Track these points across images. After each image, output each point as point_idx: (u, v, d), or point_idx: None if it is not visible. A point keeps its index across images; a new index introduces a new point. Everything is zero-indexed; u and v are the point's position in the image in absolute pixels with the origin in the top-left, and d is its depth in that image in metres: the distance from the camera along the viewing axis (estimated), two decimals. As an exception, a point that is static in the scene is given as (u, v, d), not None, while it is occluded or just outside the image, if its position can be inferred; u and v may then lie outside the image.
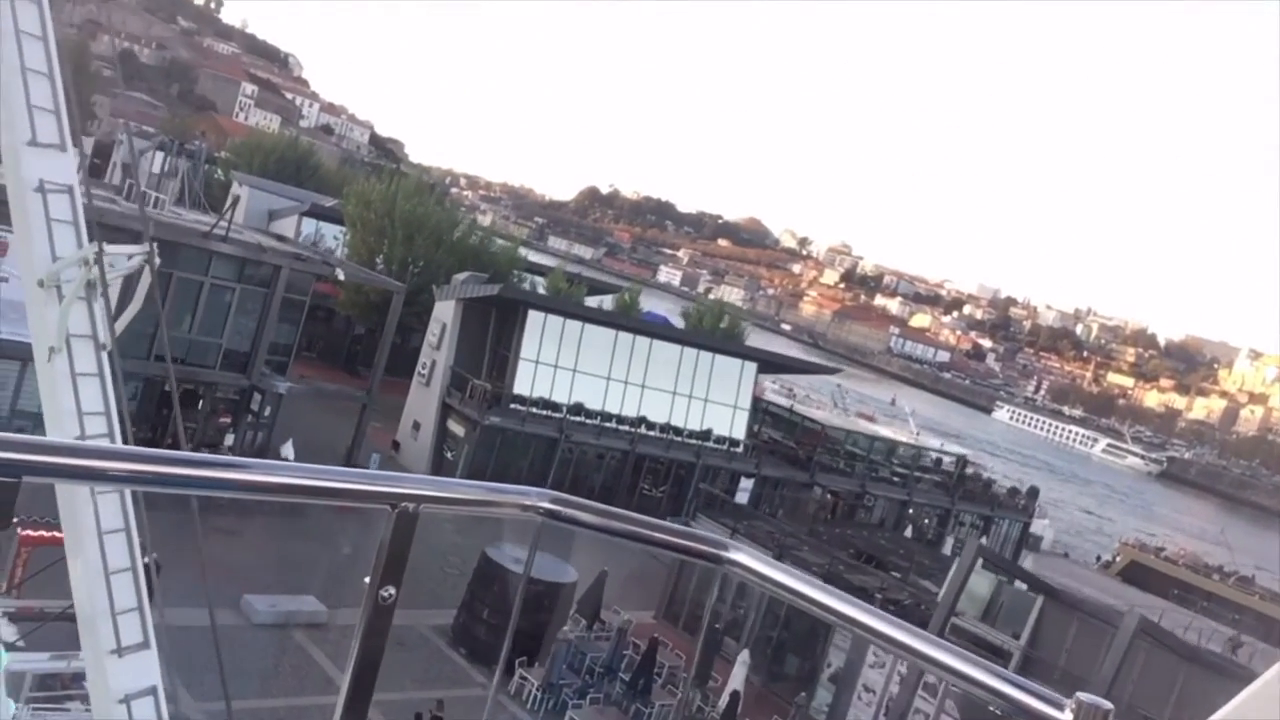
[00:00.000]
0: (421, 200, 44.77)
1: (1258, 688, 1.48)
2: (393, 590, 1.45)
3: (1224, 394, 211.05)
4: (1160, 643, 21.62)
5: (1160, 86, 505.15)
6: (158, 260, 7.22)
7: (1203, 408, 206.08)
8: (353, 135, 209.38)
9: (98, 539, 5.87)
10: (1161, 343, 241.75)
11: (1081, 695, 1.10)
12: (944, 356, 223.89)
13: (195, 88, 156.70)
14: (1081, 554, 67.24)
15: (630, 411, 37.21)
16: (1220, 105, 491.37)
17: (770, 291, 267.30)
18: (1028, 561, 46.50)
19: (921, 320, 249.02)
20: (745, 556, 1.47)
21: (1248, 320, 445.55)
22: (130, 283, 7.48)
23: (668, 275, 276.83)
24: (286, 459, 23.34)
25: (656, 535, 1.55)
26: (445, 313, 36.01)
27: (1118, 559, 61.66)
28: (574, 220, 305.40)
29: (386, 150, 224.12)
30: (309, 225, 50.41)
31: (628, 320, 40.86)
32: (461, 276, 36.90)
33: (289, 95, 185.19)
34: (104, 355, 6.61)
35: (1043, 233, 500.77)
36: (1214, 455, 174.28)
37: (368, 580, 1.46)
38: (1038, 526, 55.17)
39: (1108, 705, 1.09)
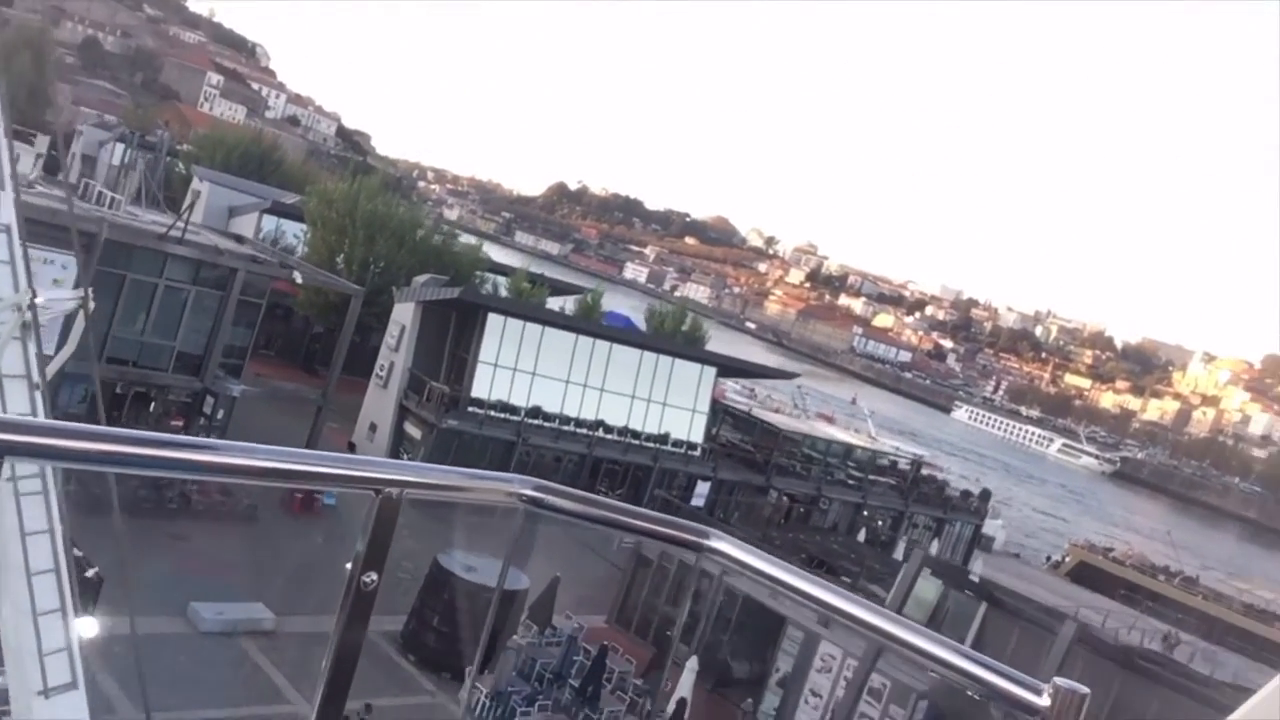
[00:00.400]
0: (384, 200, 44.66)
1: (1262, 697, 1.50)
2: (375, 576, 1.44)
3: (1177, 396, 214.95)
4: (1096, 650, 22.22)
5: (1121, 92, 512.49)
6: (92, 305, 7.35)
7: (1156, 409, 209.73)
8: (319, 127, 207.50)
9: (26, 580, 6.02)
10: (1119, 345, 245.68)
11: (1058, 680, 1.13)
12: (906, 356, 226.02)
13: (160, 77, 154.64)
14: (1033, 554, 68.38)
15: (589, 415, 37.44)
16: (1177, 115, 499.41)
17: (736, 290, 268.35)
18: (978, 562, 47.26)
19: (885, 320, 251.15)
20: (725, 544, 1.47)
21: (1203, 324, 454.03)
22: (69, 320, 7.59)
23: (634, 272, 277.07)
24: None
25: (638, 523, 1.55)
26: (404, 315, 36.02)
27: (1067, 559, 62.77)
28: (541, 216, 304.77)
29: (353, 142, 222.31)
30: (269, 222, 50.13)
31: (588, 324, 41.07)
32: (421, 279, 36.93)
33: (255, 85, 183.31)
34: (37, 395, 6.76)
35: (1005, 235, 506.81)
36: (1166, 456, 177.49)
37: (349, 566, 1.45)
38: (990, 527, 56.02)
39: (1084, 690, 1.11)
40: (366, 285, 41.15)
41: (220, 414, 29.42)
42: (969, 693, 1.17)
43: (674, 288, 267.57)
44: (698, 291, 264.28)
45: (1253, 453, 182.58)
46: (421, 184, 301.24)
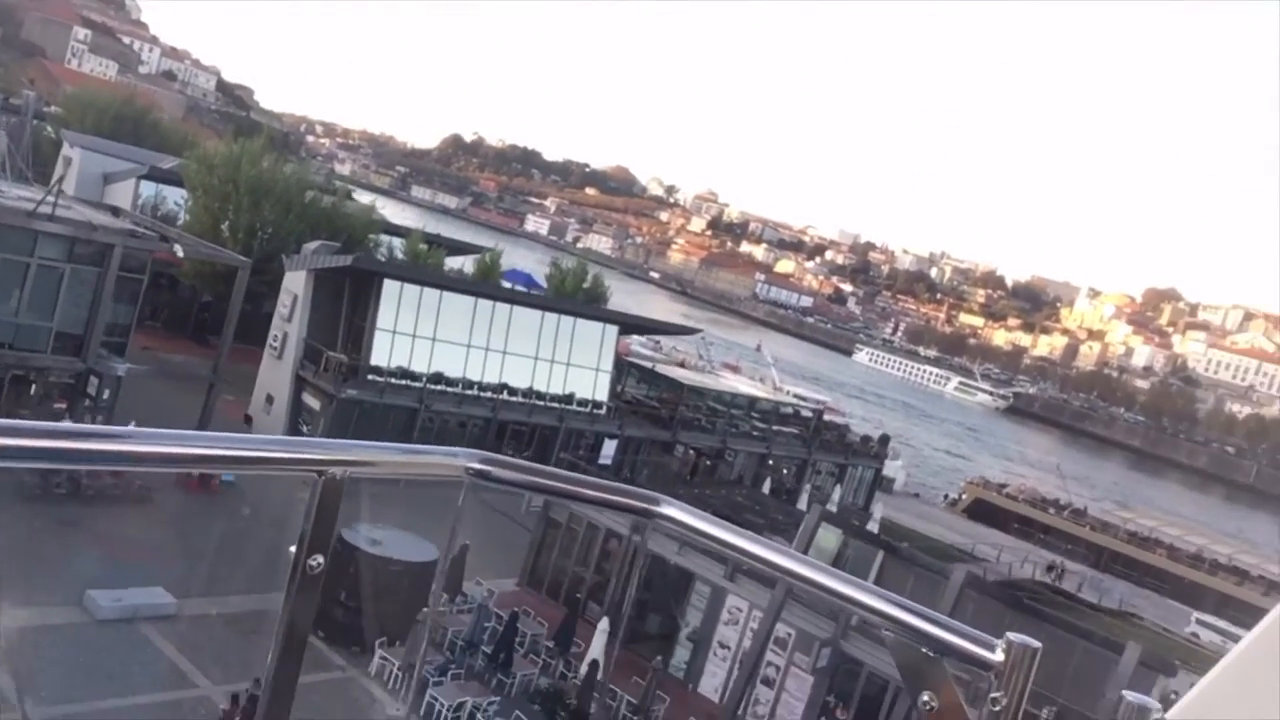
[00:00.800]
0: (269, 162, 43.12)
1: (1258, 634, 1.54)
2: (321, 559, 1.41)
3: (1065, 331, 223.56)
4: (984, 591, 23.19)
5: (999, 30, 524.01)
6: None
7: (1046, 345, 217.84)
8: (198, 81, 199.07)
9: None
10: (1009, 284, 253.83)
11: (1011, 635, 1.14)
12: (807, 301, 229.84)
13: (21, 32, 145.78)
14: (933, 492, 70.83)
15: (492, 378, 37.18)
16: (1050, 50, 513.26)
17: (638, 240, 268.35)
18: (879, 505, 48.79)
19: (786, 266, 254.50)
20: (675, 510, 1.47)
21: (1088, 261, 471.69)
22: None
23: (535, 224, 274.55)
24: None
25: (587, 492, 1.55)
26: (296, 283, 35.07)
27: (963, 497, 65.24)
28: (438, 169, 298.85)
29: (235, 97, 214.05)
30: (148, 188, 48.05)
31: (487, 287, 40.64)
32: (312, 246, 35.92)
33: (126, 39, 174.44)
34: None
35: (900, 179, 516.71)
36: (1056, 390, 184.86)
37: (293, 549, 1.43)
38: (890, 469, 57.70)
39: (1036, 644, 1.13)
40: (254, 253, 39.88)
41: (106, 394, 28.32)
42: (923, 650, 1.18)
43: (576, 239, 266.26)
44: (600, 243, 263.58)
45: (1136, 384, 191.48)
46: (310, 139, 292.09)
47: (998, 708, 1.11)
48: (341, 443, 1.44)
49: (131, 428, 1.19)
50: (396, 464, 1.51)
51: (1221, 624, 47.53)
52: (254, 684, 17.57)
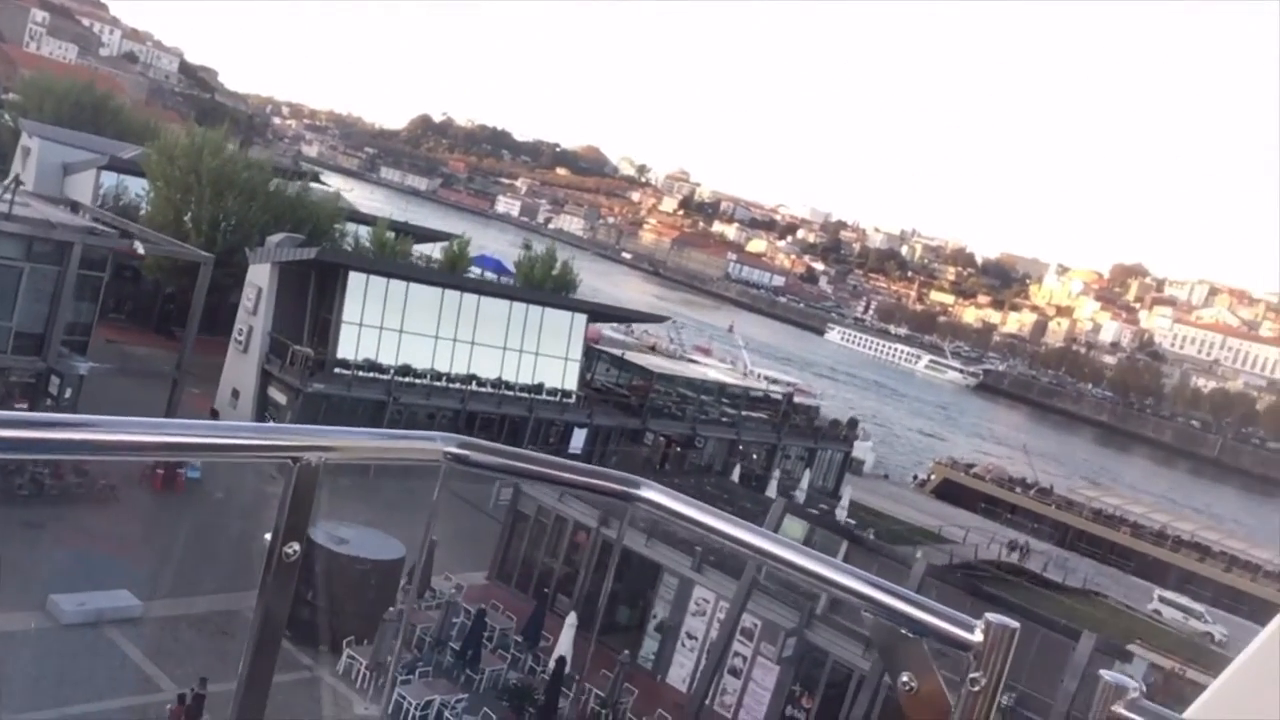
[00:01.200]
0: (231, 153, 42.62)
1: (1259, 645, 1.53)
2: (296, 547, 1.39)
3: (1034, 308, 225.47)
4: (946, 580, 23.53)
5: (961, 11, 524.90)
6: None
7: (1016, 321, 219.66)
8: (160, 64, 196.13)
9: None
10: (979, 261, 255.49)
11: (990, 616, 1.14)
12: (779, 281, 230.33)
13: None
14: (903, 472, 71.49)
15: (460, 369, 37.14)
16: (1018, 36, 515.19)
17: (610, 220, 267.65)
18: (848, 487, 49.24)
19: (758, 245, 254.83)
20: (656, 493, 1.45)
21: (1057, 237, 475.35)
22: None
23: (506, 206, 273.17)
24: None
25: (565, 475, 1.52)
26: (260, 276, 34.82)
27: (932, 477, 65.91)
28: (406, 150, 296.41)
29: (198, 79, 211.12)
30: (109, 179, 47.45)
31: (454, 278, 40.49)
32: (276, 238, 35.63)
33: (86, 22, 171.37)
34: None
35: (871, 157, 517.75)
36: (1025, 366, 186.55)
37: (268, 537, 1.40)
38: (860, 450, 58.11)
39: (1014, 625, 1.13)
40: (217, 245, 39.51)
41: (68, 393, 28.07)
42: (903, 631, 1.18)
43: (548, 221, 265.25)
44: (572, 224, 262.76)
45: (1103, 359, 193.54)
46: (276, 120, 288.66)
47: (976, 688, 1.11)
48: (316, 428, 1.43)
49: (98, 416, 1.16)
50: (372, 449, 1.49)
51: (1183, 601, 48.47)
52: (200, 683, 17.65)
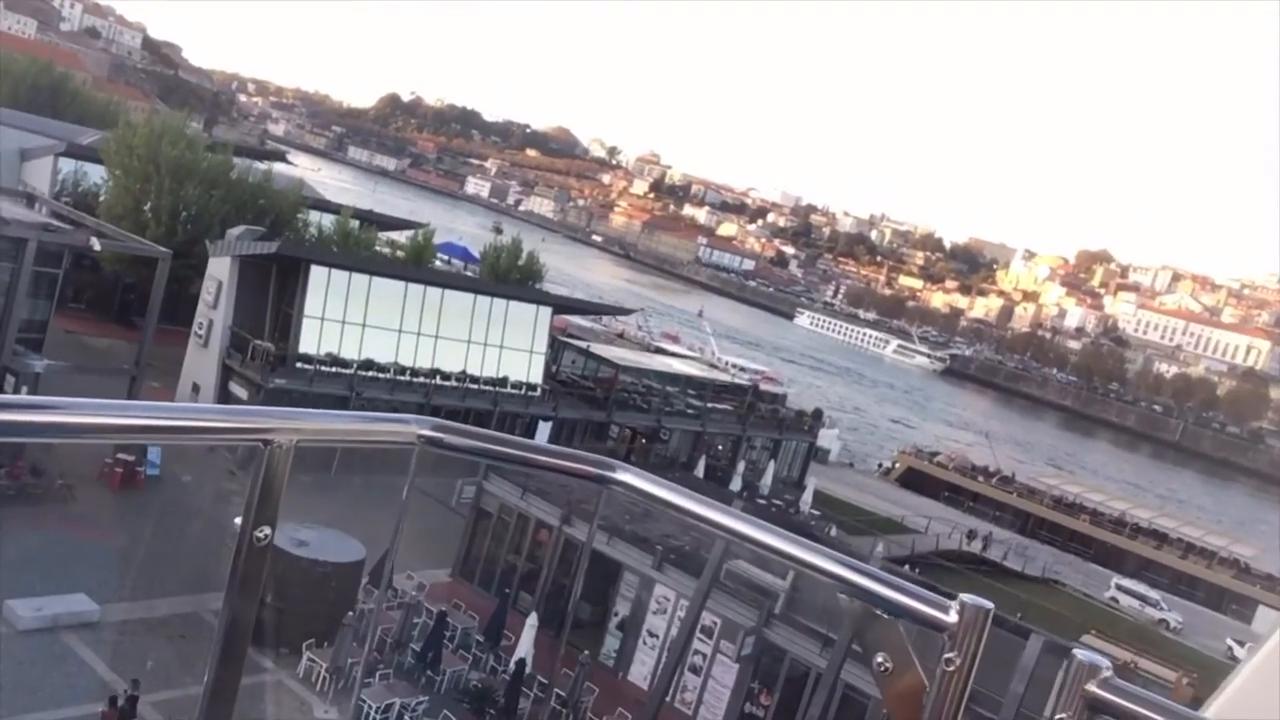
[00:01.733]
0: (190, 143, 42.04)
1: (1256, 664, 1.54)
2: (268, 530, 1.37)
3: (1001, 293, 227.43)
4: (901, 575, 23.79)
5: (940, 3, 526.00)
6: None
7: (983, 307, 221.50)
8: (122, 40, 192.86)
9: None
10: (947, 246, 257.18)
11: (964, 596, 1.14)
12: (749, 264, 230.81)
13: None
14: (871, 458, 72.06)
15: (424, 363, 37.04)
16: (990, 15, 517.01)
17: (580, 202, 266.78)
18: (813, 477, 49.65)
19: (728, 229, 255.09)
20: (630, 476, 1.43)
21: (1025, 223, 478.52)
22: None
23: (476, 187, 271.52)
24: None
25: (540, 458, 1.51)
26: (220, 270, 34.49)
27: (896, 465, 66.50)
28: (375, 130, 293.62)
29: (161, 55, 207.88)
30: (67, 165, 46.72)
31: (418, 271, 40.27)
32: (236, 231, 35.26)
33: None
34: None
35: (841, 141, 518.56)
36: (991, 351, 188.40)
37: (238, 521, 1.39)
38: (825, 438, 58.46)
39: (989, 605, 1.14)
40: (178, 235, 39.06)
41: (23, 391, 27.69)
42: (878, 612, 1.18)
43: (518, 202, 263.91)
44: (542, 205, 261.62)
45: (1068, 344, 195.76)
46: (242, 98, 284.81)
47: (951, 668, 1.12)
48: (287, 410, 1.40)
49: (62, 398, 1.12)
50: (345, 431, 1.46)
51: (1140, 588, 49.39)
52: (132, 685, 17.67)
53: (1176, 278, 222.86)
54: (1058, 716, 1.05)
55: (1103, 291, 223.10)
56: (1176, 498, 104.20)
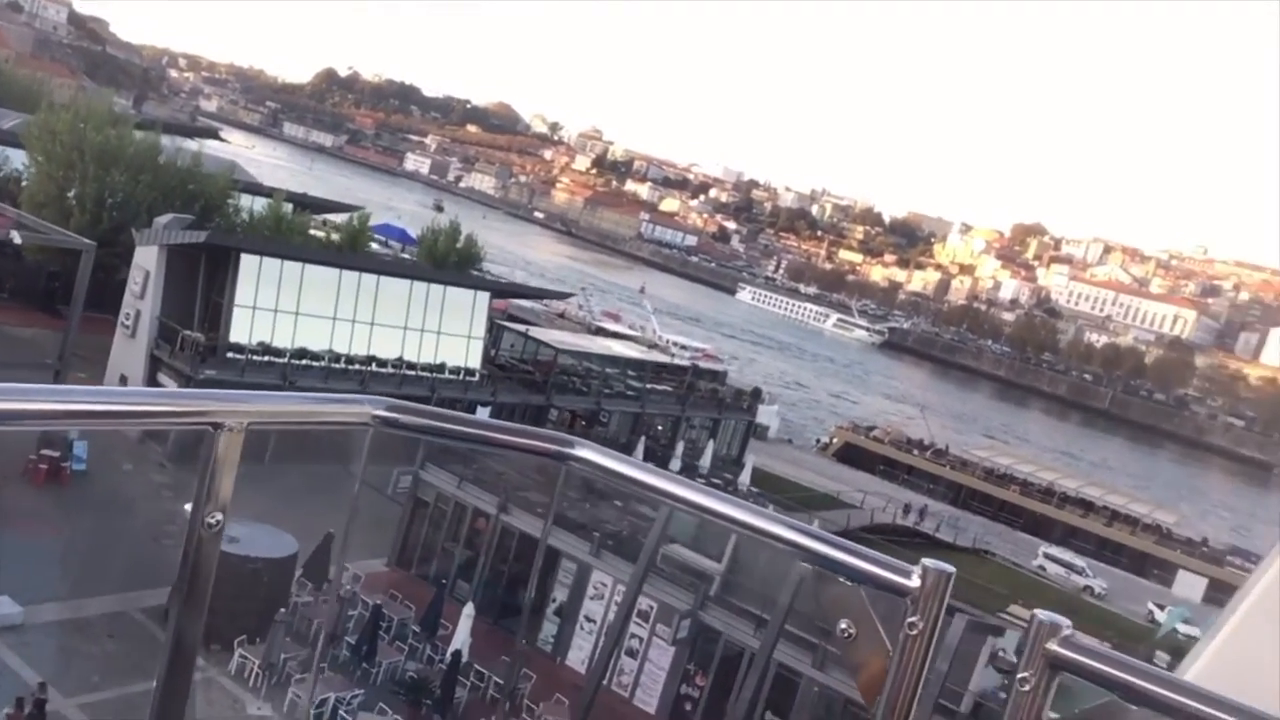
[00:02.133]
0: (116, 129, 41.01)
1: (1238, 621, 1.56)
2: (220, 516, 1.34)
3: (939, 266, 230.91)
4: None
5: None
6: None
7: (920, 280, 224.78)
8: (47, 14, 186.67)
9: None
10: (887, 220, 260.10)
11: (926, 561, 1.14)
12: (692, 240, 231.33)
13: None
14: (807, 435, 73.08)
15: (360, 350, 36.79)
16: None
17: (522, 179, 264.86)
18: (751, 455, 50.27)
19: (671, 205, 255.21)
20: (590, 452, 1.41)
21: (962, 197, 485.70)
22: None
23: (416, 163, 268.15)
24: None
25: (498, 436, 1.48)
26: (148, 259, 33.83)
27: (834, 440, 67.58)
28: (311, 105, 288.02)
29: (88, 30, 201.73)
30: (-11, 148, 45.36)
31: (352, 258, 39.87)
32: (164, 219, 34.57)
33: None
34: None
35: (782, 117, 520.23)
36: (929, 324, 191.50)
37: (188, 507, 1.38)
38: (764, 415, 59.08)
39: (950, 569, 1.13)
40: (103, 223, 38.21)
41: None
42: (841, 579, 1.18)
43: (458, 179, 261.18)
44: (483, 182, 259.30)
45: (1003, 316, 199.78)
46: (172, 73, 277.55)
47: (915, 631, 1.13)
48: (237, 393, 1.34)
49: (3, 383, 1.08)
50: (297, 413, 1.42)
51: (1066, 556, 50.91)
52: (39, 688, 17.59)
53: (1107, 250, 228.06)
54: (1020, 676, 1.07)
55: (1036, 264, 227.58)
56: (1107, 465, 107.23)
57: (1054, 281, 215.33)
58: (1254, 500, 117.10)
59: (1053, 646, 1.06)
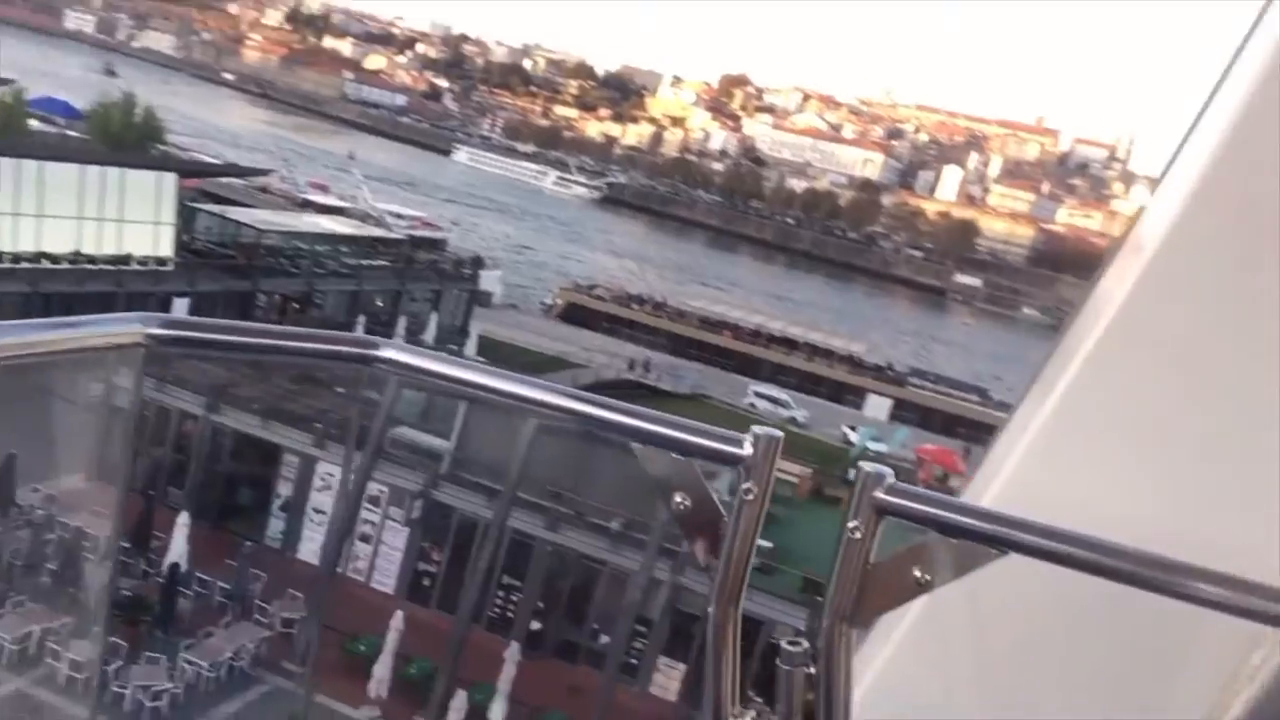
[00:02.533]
0: None
1: None
2: None
3: (652, 120, 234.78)
4: (550, 428, 25.25)
5: None
6: None
7: (635, 134, 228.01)
8: None
9: None
10: (600, 74, 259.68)
11: (756, 429, 1.15)
12: (402, 100, 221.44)
13: None
14: (533, 298, 73.83)
15: (27, 246, 33.06)
16: None
17: (206, 36, 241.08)
18: (476, 322, 50.27)
19: (376, 62, 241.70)
20: (397, 352, 1.31)
21: (671, 49, 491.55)
22: None
23: (78, 21, 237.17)
24: None
25: (295, 344, 1.37)
26: None
27: (558, 302, 68.77)
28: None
29: None
30: None
31: (8, 143, 35.29)
32: None
33: None
34: None
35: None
36: (644, 177, 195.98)
37: None
38: (488, 280, 58.80)
39: (779, 434, 1.15)
40: None
41: None
42: (672, 455, 1.18)
43: (130, 38, 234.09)
44: (161, 41, 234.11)
45: (713, 166, 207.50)
46: None
47: (750, 497, 1.15)
48: None
49: None
50: (47, 343, 1.19)
51: (773, 391, 55.23)
52: None
53: (806, 98, 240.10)
54: (850, 524, 1.11)
55: (742, 114, 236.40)
56: (812, 304, 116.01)
57: (758, 131, 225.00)
58: (933, 324, 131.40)
59: (879, 494, 1.11)
